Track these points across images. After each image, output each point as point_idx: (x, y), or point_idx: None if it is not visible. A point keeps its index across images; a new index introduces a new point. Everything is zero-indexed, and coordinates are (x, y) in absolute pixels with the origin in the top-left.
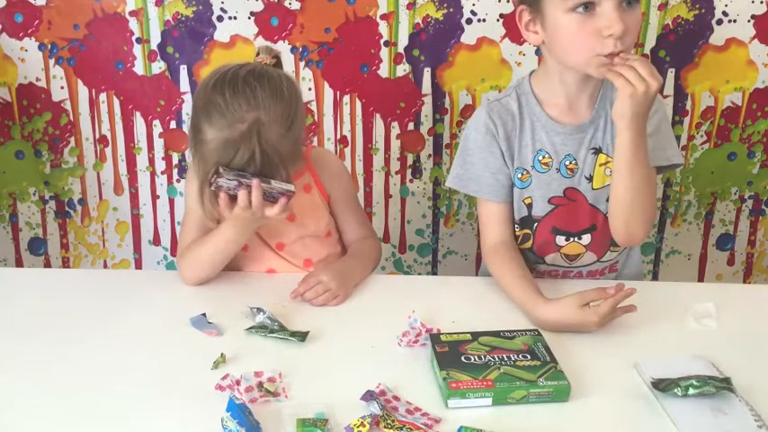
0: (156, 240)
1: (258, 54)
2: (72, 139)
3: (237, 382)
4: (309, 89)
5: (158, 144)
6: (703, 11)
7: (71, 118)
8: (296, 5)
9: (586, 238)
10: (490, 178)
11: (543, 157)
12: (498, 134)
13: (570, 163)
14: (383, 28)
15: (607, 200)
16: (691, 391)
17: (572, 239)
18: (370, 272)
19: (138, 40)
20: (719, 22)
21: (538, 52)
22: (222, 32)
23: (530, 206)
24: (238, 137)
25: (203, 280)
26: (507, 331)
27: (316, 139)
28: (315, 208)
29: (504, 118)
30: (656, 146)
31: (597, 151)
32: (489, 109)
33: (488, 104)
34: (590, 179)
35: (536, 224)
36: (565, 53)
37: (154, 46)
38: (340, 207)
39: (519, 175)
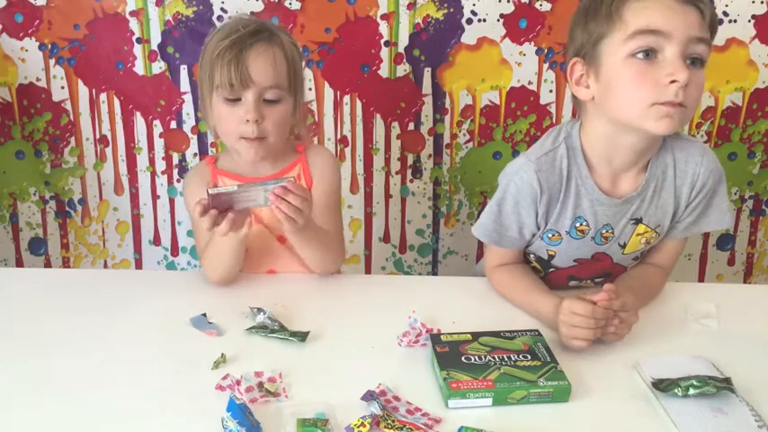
0: (156, 240)
1: None
2: (72, 139)
3: (238, 382)
4: (310, 89)
5: (159, 144)
6: None
7: (71, 118)
8: (296, 5)
9: (599, 281)
10: (515, 232)
11: (581, 225)
12: (541, 200)
13: (607, 232)
14: (383, 28)
15: (634, 259)
16: (691, 391)
17: (585, 281)
18: (324, 249)
19: (139, 40)
20: (720, 22)
21: (538, 52)
22: None
23: (552, 257)
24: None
25: (227, 280)
26: (507, 331)
27: (316, 138)
28: None
29: (551, 180)
30: (704, 217)
31: (637, 221)
32: (538, 167)
33: (537, 160)
34: (623, 246)
35: (552, 269)
36: (619, 105)
37: (154, 46)
38: (317, 203)
39: (550, 236)
